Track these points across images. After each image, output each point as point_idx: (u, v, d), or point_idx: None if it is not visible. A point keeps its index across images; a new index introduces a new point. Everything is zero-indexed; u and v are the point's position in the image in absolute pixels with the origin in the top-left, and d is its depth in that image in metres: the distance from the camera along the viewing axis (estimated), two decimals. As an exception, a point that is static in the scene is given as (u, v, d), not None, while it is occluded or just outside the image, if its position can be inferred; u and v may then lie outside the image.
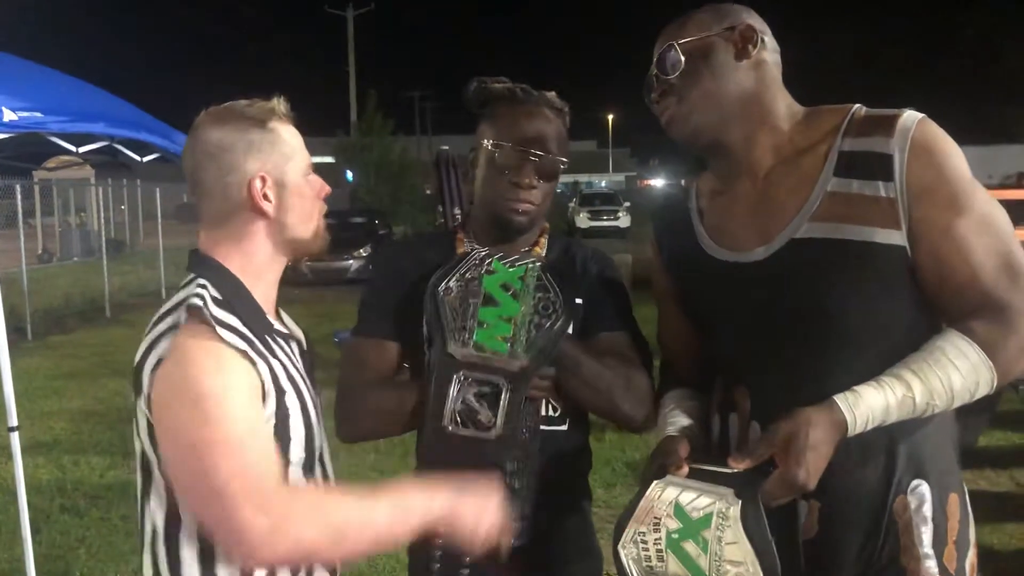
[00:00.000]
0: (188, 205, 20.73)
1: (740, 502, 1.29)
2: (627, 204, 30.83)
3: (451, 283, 1.60)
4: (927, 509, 1.41)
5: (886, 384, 1.32)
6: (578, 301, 1.65)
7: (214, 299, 1.33)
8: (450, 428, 1.53)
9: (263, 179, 1.39)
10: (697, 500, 1.34)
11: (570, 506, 1.76)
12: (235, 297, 1.37)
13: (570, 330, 1.59)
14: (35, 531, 3.98)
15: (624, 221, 29.25)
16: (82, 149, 4.56)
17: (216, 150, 1.39)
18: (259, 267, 1.44)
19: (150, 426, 1.31)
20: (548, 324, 1.55)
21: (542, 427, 1.64)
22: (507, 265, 1.62)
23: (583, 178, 60.60)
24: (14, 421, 3.57)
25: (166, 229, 16.21)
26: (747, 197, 1.52)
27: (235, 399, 1.26)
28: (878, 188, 1.37)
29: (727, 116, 1.49)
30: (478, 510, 1.40)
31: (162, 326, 1.32)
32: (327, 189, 1.51)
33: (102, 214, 18.98)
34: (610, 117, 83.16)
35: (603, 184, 54.40)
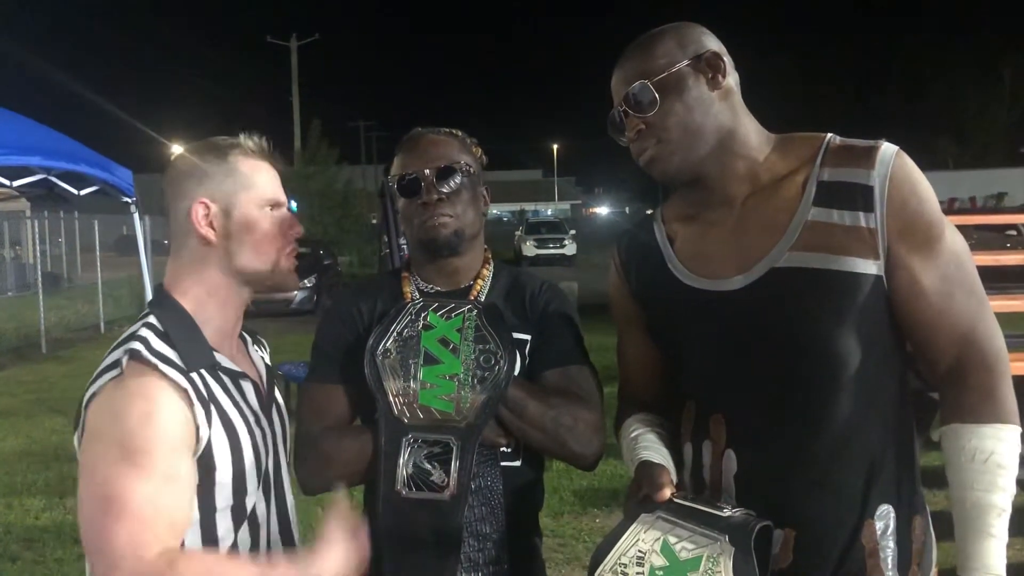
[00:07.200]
0: (128, 237, 20.35)
1: (734, 549, 1.30)
2: (573, 232, 31.13)
3: (389, 344, 1.59)
4: (892, 532, 1.42)
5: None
6: (523, 336, 1.66)
7: (157, 332, 1.36)
8: (404, 492, 1.53)
9: (204, 204, 1.43)
10: (687, 541, 1.34)
11: (526, 543, 1.73)
12: (177, 330, 1.39)
13: (517, 369, 1.59)
14: (-35, 577, 3.85)
15: (570, 249, 29.55)
16: (18, 183, 4.48)
17: (173, 178, 1.46)
18: (218, 296, 1.46)
19: None
20: (491, 377, 1.55)
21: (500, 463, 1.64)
22: (443, 317, 1.61)
23: (529, 206, 61.08)
24: (-56, 463, 3.46)
25: (105, 262, 15.75)
26: (723, 225, 1.50)
27: (155, 451, 1.26)
28: (859, 218, 1.38)
29: (708, 151, 1.47)
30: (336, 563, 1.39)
31: (105, 362, 1.34)
32: (296, 227, 1.52)
33: (38, 247, 18.48)
34: (555, 146, 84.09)
35: (549, 212, 54.90)
